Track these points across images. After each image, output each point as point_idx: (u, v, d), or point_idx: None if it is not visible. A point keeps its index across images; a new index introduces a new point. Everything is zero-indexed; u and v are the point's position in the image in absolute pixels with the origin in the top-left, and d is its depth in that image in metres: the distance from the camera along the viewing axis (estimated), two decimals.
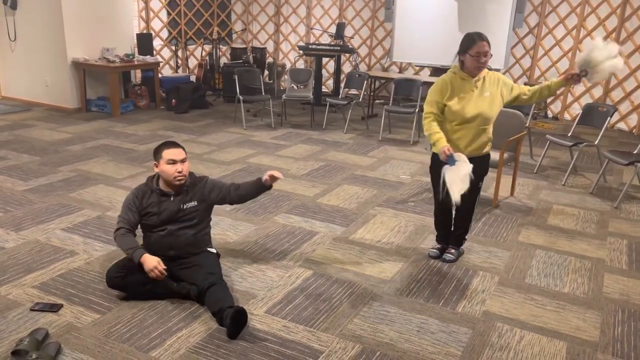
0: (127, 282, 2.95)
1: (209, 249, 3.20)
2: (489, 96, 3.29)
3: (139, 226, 3.10)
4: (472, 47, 3.18)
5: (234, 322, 2.67)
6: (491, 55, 3.25)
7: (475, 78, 3.27)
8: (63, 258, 3.46)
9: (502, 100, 3.35)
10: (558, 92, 3.22)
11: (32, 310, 2.87)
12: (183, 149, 3.13)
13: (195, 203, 3.11)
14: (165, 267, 2.89)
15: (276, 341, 2.70)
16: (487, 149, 3.44)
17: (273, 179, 3.16)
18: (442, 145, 3.18)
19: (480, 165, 3.39)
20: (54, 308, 2.88)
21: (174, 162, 3.02)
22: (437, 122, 3.29)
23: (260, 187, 3.20)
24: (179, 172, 3.02)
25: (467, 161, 3.14)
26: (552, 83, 3.37)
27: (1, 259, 3.42)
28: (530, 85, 3.48)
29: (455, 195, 3.09)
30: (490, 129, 3.40)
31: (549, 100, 8.52)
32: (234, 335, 2.69)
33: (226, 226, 4.03)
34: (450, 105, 3.27)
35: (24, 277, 3.21)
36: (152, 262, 2.86)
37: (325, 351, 2.64)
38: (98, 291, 3.07)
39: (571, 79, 3.34)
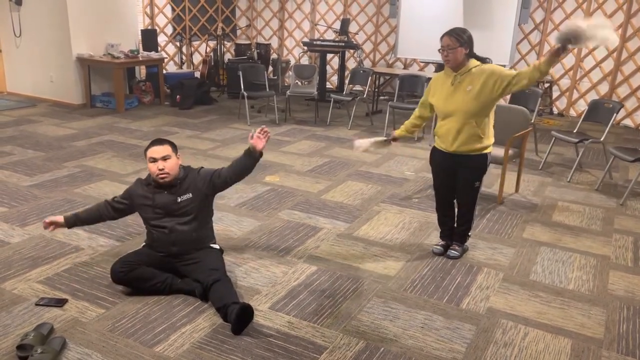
0: (131, 277, 2.95)
1: (212, 245, 3.19)
2: (470, 90, 3.17)
3: (125, 214, 3.24)
4: (440, 42, 3.21)
5: (240, 318, 2.67)
6: (464, 50, 3.14)
7: (456, 72, 3.23)
8: (68, 253, 3.47)
9: (493, 91, 3.13)
10: (550, 70, 2.92)
11: (37, 305, 2.88)
12: (172, 145, 3.07)
13: (190, 195, 3.06)
14: (52, 225, 3.14)
15: (280, 337, 2.70)
16: (480, 145, 3.27)
17: (258, 141, 3.03)
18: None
19: (474, 165, 3.36)
20: (59, 303, 2.89)
21: (154, 160, 3.00)
22: (417, 118, 3.56)
23: (248, 157, 3.07)
24: (160, 170, 2.98)
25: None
26: (539, 64, 3.00)
27: (6, 254, 3.43)
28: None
29: None
30: (482, 124, 3.24)
31: (554, 96, 8.48)
32: (239, 331, 2.69)
33: (230, 222, 4.04)
34: (433, 102, 3.38)
35: (29, 272, 3.22)
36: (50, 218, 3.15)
37: (329, 347, 2.64)
38: (103, 286, 3.08)
39: (556, 52, 2.99)
